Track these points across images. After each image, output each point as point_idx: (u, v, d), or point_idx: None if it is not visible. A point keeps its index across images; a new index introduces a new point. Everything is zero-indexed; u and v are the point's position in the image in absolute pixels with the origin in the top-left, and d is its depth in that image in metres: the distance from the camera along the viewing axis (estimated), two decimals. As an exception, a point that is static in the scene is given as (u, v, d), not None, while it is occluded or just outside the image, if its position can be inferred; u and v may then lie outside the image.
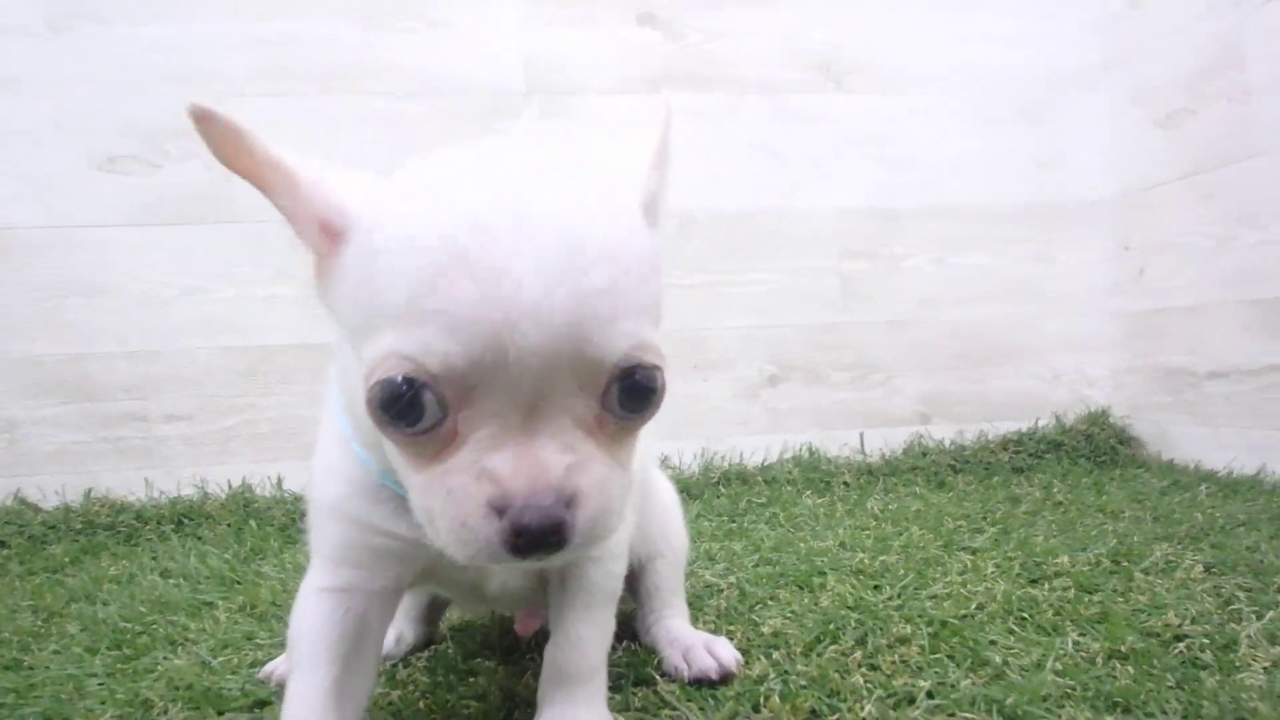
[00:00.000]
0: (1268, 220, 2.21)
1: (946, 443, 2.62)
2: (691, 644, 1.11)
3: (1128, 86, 2.65)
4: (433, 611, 1.32)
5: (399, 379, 0.58)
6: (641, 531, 1.13)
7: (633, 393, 0.62)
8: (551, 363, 0.57)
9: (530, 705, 0.98)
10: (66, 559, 1.93)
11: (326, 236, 0.68)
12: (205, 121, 0.68)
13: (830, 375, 2.61)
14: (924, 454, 2.57)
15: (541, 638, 1.26)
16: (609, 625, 0.96)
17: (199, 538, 2.09)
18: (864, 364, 2.63)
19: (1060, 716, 0.93)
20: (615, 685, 1.06)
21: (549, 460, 0.59)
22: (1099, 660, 1.08)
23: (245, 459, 2.36)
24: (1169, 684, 1.00)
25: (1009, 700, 0.95)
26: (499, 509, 0.58)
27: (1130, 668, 1.04)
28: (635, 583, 1.20)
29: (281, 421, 2.38)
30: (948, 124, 2.68)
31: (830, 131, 2.62)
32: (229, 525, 2.15)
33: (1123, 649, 1.10)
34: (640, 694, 1.04)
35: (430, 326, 0.57)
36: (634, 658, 1.16)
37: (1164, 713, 0.93)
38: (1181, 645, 1.10)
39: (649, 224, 0.68)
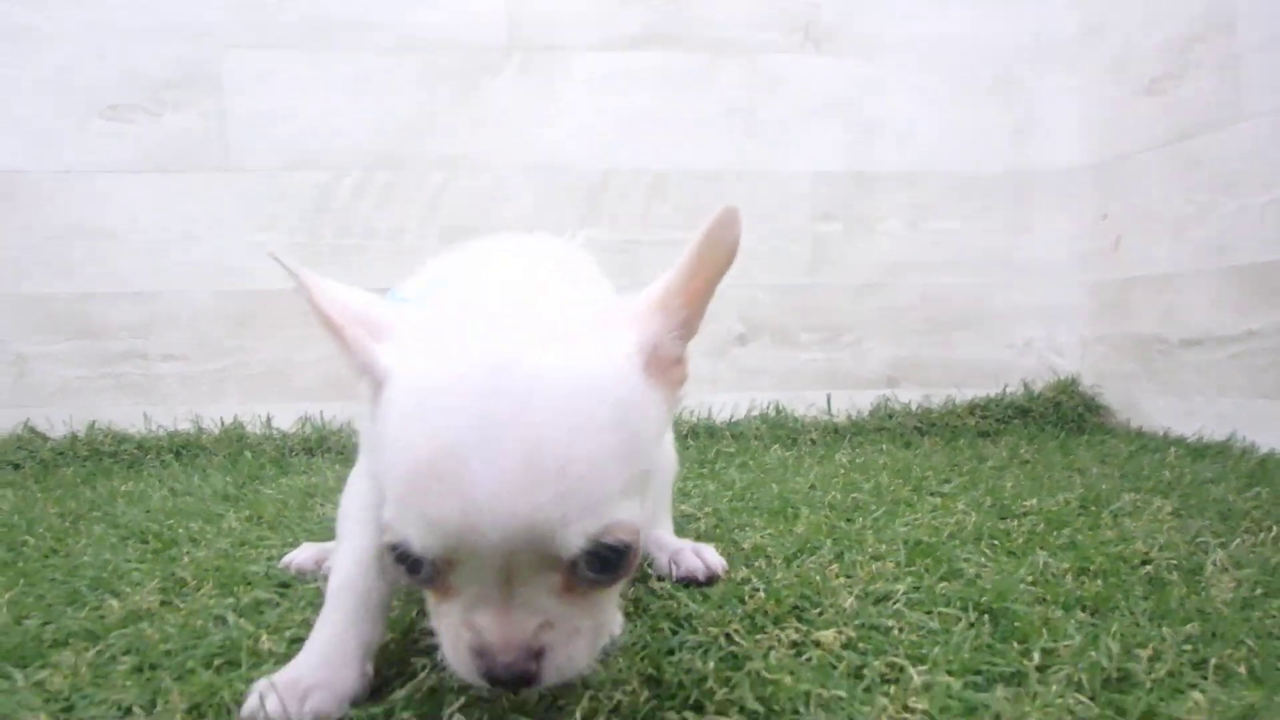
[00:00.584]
0: (1249, 187, 2.47)
1: (913, 406, 2.97)
2: (679, 548, 1.34)
3: (1108, 55, 2.94)
4: None
5: (403, 552, 0.77)
6: None
7: (599, 564, 0.76)
8: (514, 557, 0.74)
9: None
10: (78, 479, 2.33)
11: (372, 384, 0.83)
12: (291, 274, 0.87)
13: (799, 336, 2.98)
14: (890, 416, 2.92)
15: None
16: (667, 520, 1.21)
17: (196, 466, 2.48)
18: (833, 326, 3.00)
19: (1034, 614, 1.12)
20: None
21: (520, 623, 0.76)
22: (1068, 576, 1.29)
23: (236, 399, 2.76)
24: (1137, 594, 1.21)
25: (983, 599, 1.17)
26: (480, 655, 0.77)
27: (1099, 582, 1.27)
28: None
29: (272, 364, 2.78)
30: (925, 90, 3.01)
31: (807, 94, 2.97)
32: (226, 456, 2.55)
33: (1091, 568, 1.33)
34: (635, 589, 1.27)
35: (412, 522, 0.75)
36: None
37: (1132, 613, 1.13)
38: (1148, 567, 1.33)
39: (650, 372, 0.81)
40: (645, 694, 0.93)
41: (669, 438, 1.38)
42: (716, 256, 0.81)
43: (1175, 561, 1.35)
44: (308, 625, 1.05)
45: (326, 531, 1.71)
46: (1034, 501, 1.79)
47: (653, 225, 2.88)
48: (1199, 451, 2.42)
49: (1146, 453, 2.44)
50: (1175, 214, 2.73)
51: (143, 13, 2.69)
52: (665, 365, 0.83)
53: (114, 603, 1.31)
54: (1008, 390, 3.03)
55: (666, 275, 0.83)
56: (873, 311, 3.01)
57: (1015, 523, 1.63)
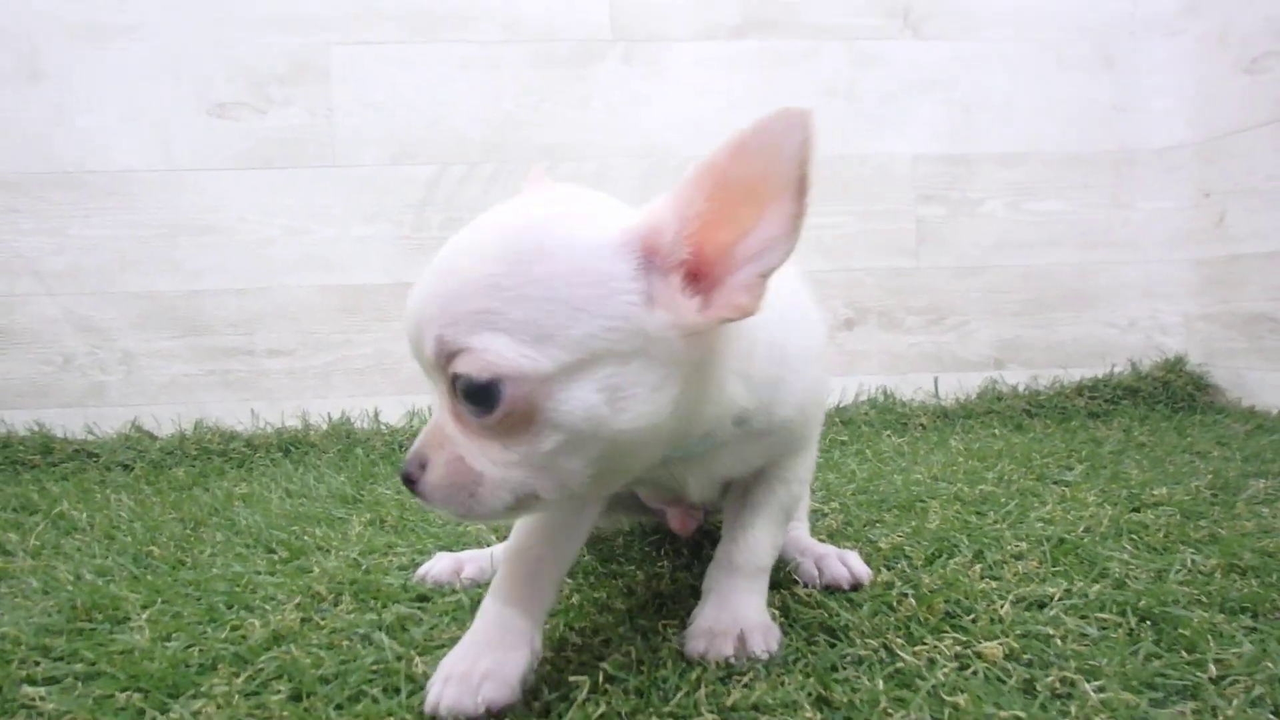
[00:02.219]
0: None
1: (1020, 388, 2.70)
2: (824, 553, 1.21)
3: (1210, 31, 2.67)
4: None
5: None
6: None
7: (466, 394, 0.75)
8: (418, 357, 0.79)
9: (672, 600, 1.12)
10: (189, 480, 2.09)
11: None
12: None
13: (904, 319, 2.71)
14: (999, 398, 2.66)
15: (671, 545, 1.41)
16: (780, 537, 1.08)
17: (308, 464, 2.24)
18: (938, 308, 2.72)
19: (1195, 619, 1.00)
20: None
21: (428, 434, 0.81)
22: (1218, 574, 1.15)
23: (343, 393, 2.51)
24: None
25: (1141, 603, 1.04)
26: None
27: (1253, 581, 1.12)
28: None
29: (376, 357, 2.53)
30: (1024, 68, 2.73)
31: (906, 76, 2.69)
32: (336, 453, 2.31)
33: (1239, 565, 1.18)
34: (780, 596, 1.15)
35: None
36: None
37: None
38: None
39: (588, 260, 0.76)
40: (819, 717, 0.83)
41: (813, 434, 1.19)
42: (770, 162, 0.72)
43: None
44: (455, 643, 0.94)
45: (454, 537, 1.55)
46: (1163, 490, 1.60)
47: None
48: None
49: (1263, 433, 2.21)
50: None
51: (250, 7, 2.45)
52: (712, 281, 0.76)
53: (254, 621, 1.14)
54: (1115, 370, 2.75)
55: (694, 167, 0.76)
56: (976, 293, 2.74)
57: (1149, 515, 1.45)
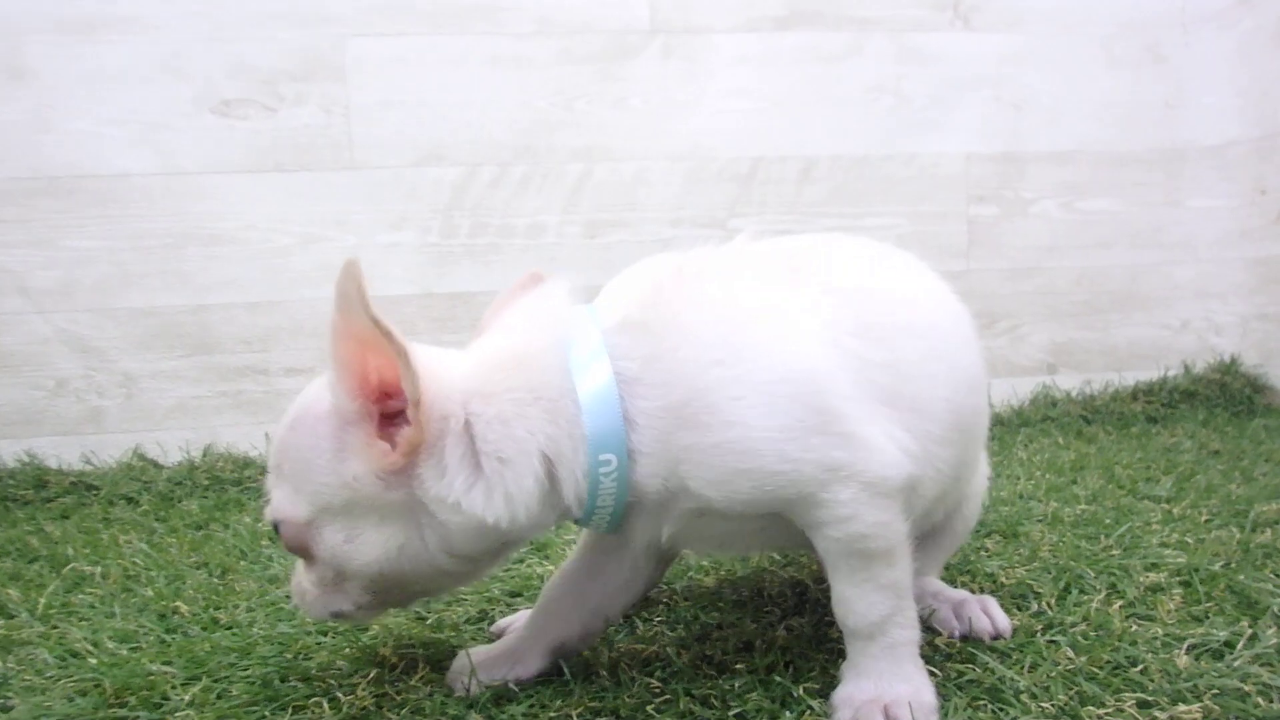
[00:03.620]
0: None
1: (1073, 393, 2.50)
2: (962, 600, 1.03)
3: (1264, 24, 2.48)
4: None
5: None
6: (953, 494, 1.02)
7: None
8: None
9: (797, 654, 0.95)
10: (205, 516, 1.82)
11: None
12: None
13: (957, 324, 2.49)
14: (1054, 404, 2.46)
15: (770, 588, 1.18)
16: (873, 580, 0.82)
17: (333, 493, 1.98)
18: (990, 312, 2.50)
19: None
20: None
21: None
22: None
23: (366, 413, 2.24)
24: None
25: None
26: None
27: None
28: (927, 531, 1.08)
29: (403, 374, 2.27)
30: (1073, 63, 2.53)
31: (955, 72, 2.47)
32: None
33: None
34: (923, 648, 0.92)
35: None
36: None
37: None
38: None
39: (316, 420, 0.84)
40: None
41: (982, 489, 1.15)
42: (348, 311, 0.77)
43: None
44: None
45: (520, 580, 1.30)
46: (1274, 507, 1.43)
47: (805, 213, 2.39)
48: None
49: None
50: None
51: (257, 1, 2.18)
52: (388, 411, 0.81)
53: (320, 701, 0.91)
54: (1169, 373, 2.56)
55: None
56: (1029, 296, 2.52)
57: (1269, 533, 1.30)
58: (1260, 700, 0.80)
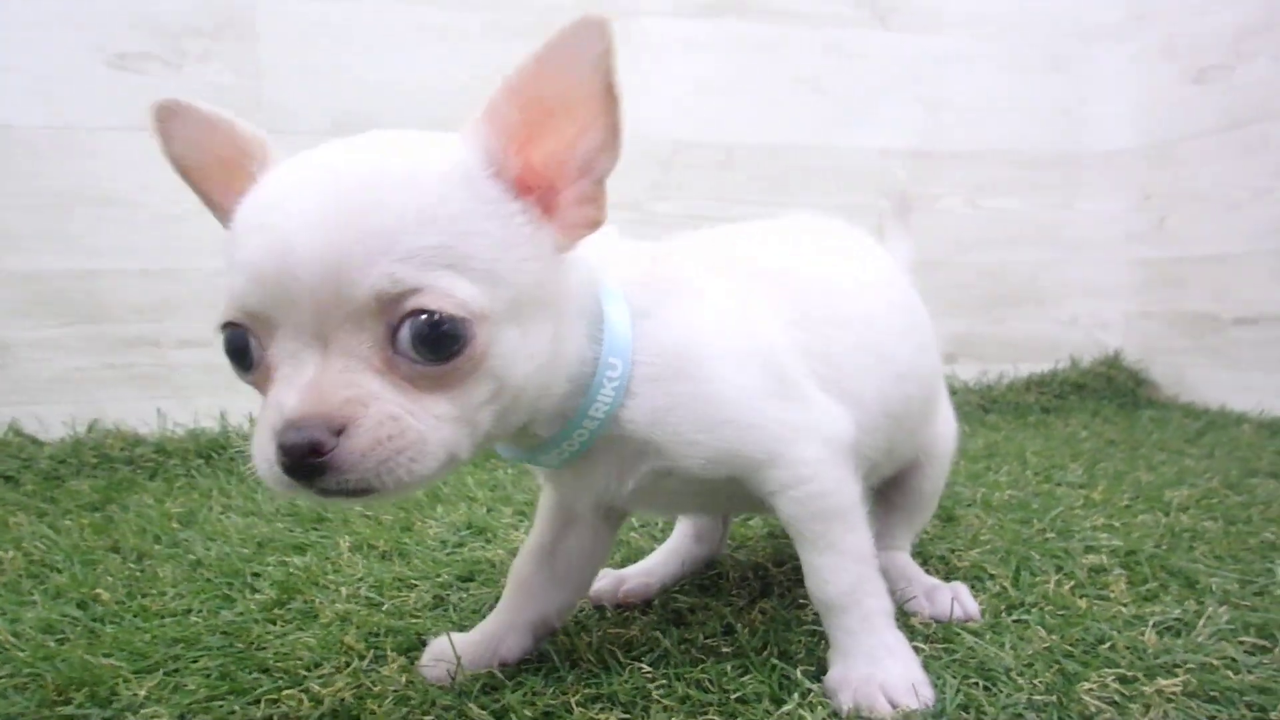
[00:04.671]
0: None
1: (971, 383, 2.60)
2: (935, 586, 1.08)
3: (1157, 42, 2.63)
4: (711, 532, 1.26)
5: (229, 323, 0.68)
6: (904, 445, 1.08)
7: (423, 339, 0.64)
8: (322, 300, 0.63)
9: (776, 634, 0.97)
10: (100, 497, 1.70)
11: None
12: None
13: (865, 315, 2.55)
14: (954, 392, 2.53)
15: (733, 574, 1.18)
16: (836, 546, 0.86)
17: (237, 473, 1.88)
18: (898, 304, 2.57)
19: None
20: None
21: (325, 391, 0.63)
22: None
23: (268, 389, 2.14)
24: None
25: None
26: (276, 433, 0.63)
27: None
28: (887, 490, 1.15)
29: (308, 348, 2.17)
30: (983, 68, 2.63)
31: (873, 69, 2.53)
32: (267, 460, 1.95)
33: None
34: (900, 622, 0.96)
35: (239, 275, 0.66)
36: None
37: None
38: None
39: (470, 186, 0.70)
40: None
41: (950, 447, 1.19)
42: (574, 71, 0.69)
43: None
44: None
45: (467, 564, 1.28)
46: (1184, 492, 1.56)
47: (723, 199, 2.39)
48: (1270, 429, 2.18)
49: (1217, 429, 2.22)
50: (1228, 197, 2.46)
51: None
52: (557, 200, 0.73)
53: (298, 694, 0.85)
54: (1059, 365, 2.69)
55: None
56: (934, 288, 2.56)
57: (1193, 519, 1.40)
58: (1229, 673, 0.85)
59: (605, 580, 1.14)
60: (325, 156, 0.71)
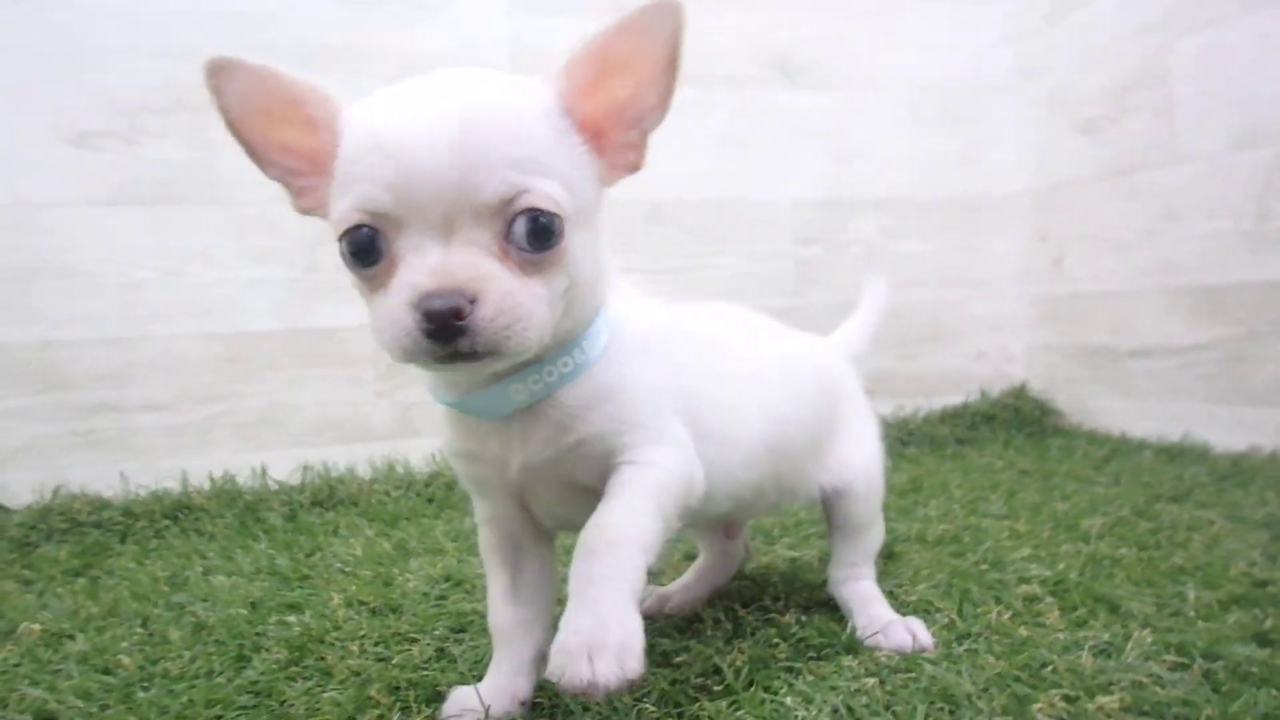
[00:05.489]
0: (1192, 218, 2.48)
1: (889, 417, 2.80)
2: (891, 621, 1.22)
3: (1044, 95, 2.90)
4: (735, 548, 1.50)
5: (355, 225, 0.82)
6: (792, 476, 1.25)
7: (532, 231, 0.82)
8: (448, 201, 0.79)
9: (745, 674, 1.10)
10: (78, 562, 1.81)
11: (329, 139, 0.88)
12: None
13: (788, 356, 2.75)
14: (873, 427, 2.75)
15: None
16: (642, 513, 0.94)
17: (206, 533, 1.99)
18: (817, 345, 2.78)
19: (1251, 655, 1.08)
20: (832, 650, 1.16)
21: (455, 268, 0.80)
22: (1215, 607, 1.26)
23: (227, 449, 2.26)
24: None
25: (1199, 644, 1.11)
26: (416, 305, 0.79)
27: (1257, 611, 1.22)
28: (829, 517, 1.33)
29: (266, 410, 2.29)
30: (885, 122, 2.86)
31: (787, 126, 2.75)
32: (234, 517, 2.06)
33: (1237, 596, 1.29)
34: (861, 660, 1.14)
35: (370, 183, 0.81)
36: (830, 626, 1.25)
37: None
38: (1272, 589, 1.31)
39: (549, 118, 0.86)
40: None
41: (873, 449, 1.37)
42: (644, 42, 0.86)
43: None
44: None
45: (454, 618, 1.40)
46: (1098, 521, 1.72)
47: (651, 252, 2.58)
48: (1169, 454, 2.39)
49: (1122, 456, 2.40)
50: (1116, 237, 2.71)
51: (118, 31, 2.14)
52: (607, 143, 0.91)
53: None
54: (970, 398, 2.92)
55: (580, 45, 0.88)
56: (848, 329, 2.81)
57: (1110, 547, 1.55)
58: (1157, 689, 0.99)
59: (651, 599, 1.37)
60: (434, 85, 0.85)
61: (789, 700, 1.02)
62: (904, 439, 2.72)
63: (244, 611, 1.44)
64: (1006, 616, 1.24)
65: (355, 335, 2.32)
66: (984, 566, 1.49)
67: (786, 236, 2.74)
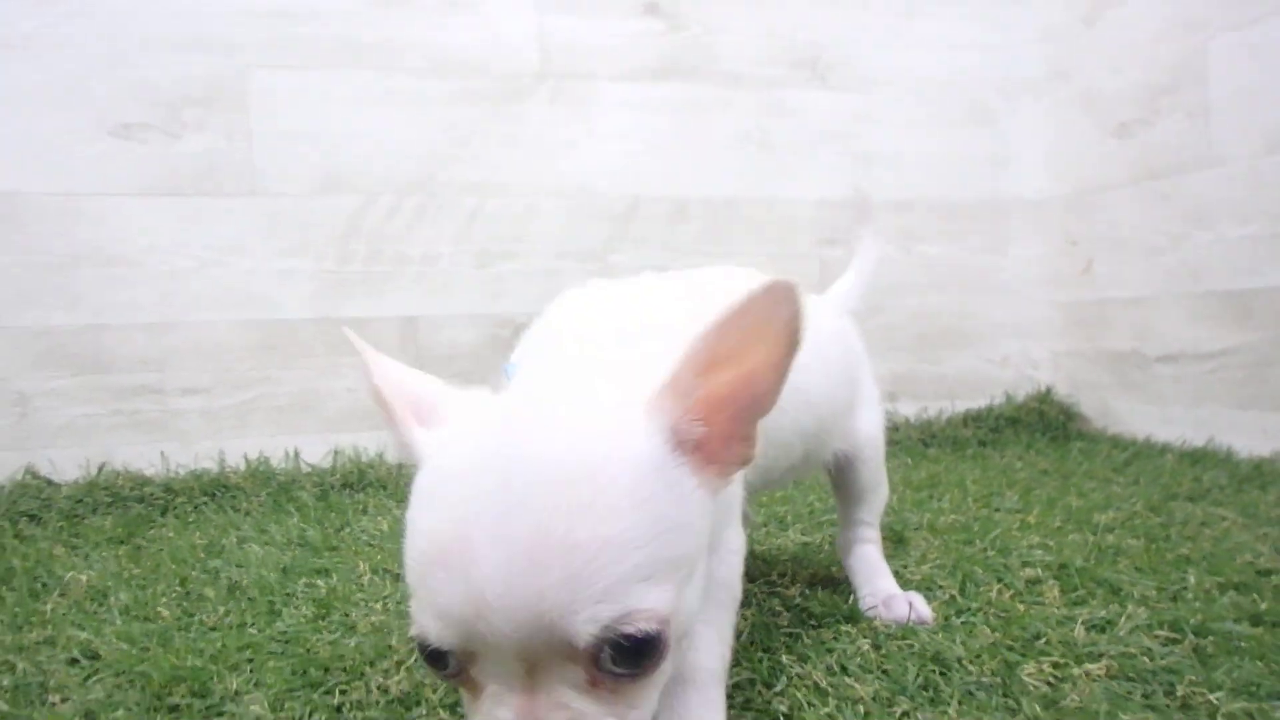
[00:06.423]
0: (1223, 222, 2.51)
1: (912, 419, 2.88)
2: (892, 594, 1.29)
3: (1076, 97, 2.95)
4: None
5: (423, 644, 0.70)
6: (838, 427, 1.30)
7: (624, 655, 0.68)
8: (526, 645, 0.66)
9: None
10: (122, 532, 1.93)
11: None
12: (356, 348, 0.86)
13: (808, 355, 2.82)
14: (895, 429, 2.81)
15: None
16: (729, 626, 0.94)
17: (241, 509, 2.11)
18: (840, 344, 2.85)
19: (1243, 632, 1.13)
20: (833, 619, 1.24)
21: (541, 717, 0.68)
22: (1214, 591, 1.29)
23: (263, 432, 2.38)
24: None
25: (1193, 621, 1.16)
26: None
27: (1255, 596, 1.26)
28: (837, 481, 1.39)
29: (299, 395, 2.41)
30: (913, 122, 2.93)
31: (812, 125, 2.83)
32: (268, 496, 2.17)
33: (1235, 582, 1.33)
34: (862, 628, 1.21)
35: (426, 610, 0.68)
36: (833, 599, 1.33)
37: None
38: (1275, 579, 1.34)
39: (660, 475, 0.72)
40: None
41: (878, 416, 1.41)
42: (760, 330, 0.71)
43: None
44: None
45: None
46: (1110, 515, 1.76)
47: (676, 250, 2.67)
48: (1189, 458, 2.41)
49: (1143, 459, 2.43)
50: (1146, 243, 2.74)
51: (160, 25, 2.28)
52: (712, 446, 0.75)
53: (367, 685, 1.06)
54: (994, 402, 2.98)
55: (686, 345, 0.72)
56: (872, 330, 2.85)
57: (1117, 538, 1.59)
58: (1146, 660, 1.05)
59: None
60: (499, 451, 0.71)
61: (785, 658, 1.11)
62: (926, 440, 2.79)
63: (275, 575, 1.55)
64: (1007, 595, 1.30)
65: (386, 326, 2.43)
66: (991, 552, 1.54)
67: (810, 237, 2.82)
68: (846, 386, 1.32)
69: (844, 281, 1.63)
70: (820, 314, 1.34)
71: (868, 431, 1.38)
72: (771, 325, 0.71)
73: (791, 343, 0.71)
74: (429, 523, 0.71)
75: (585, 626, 0.65)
